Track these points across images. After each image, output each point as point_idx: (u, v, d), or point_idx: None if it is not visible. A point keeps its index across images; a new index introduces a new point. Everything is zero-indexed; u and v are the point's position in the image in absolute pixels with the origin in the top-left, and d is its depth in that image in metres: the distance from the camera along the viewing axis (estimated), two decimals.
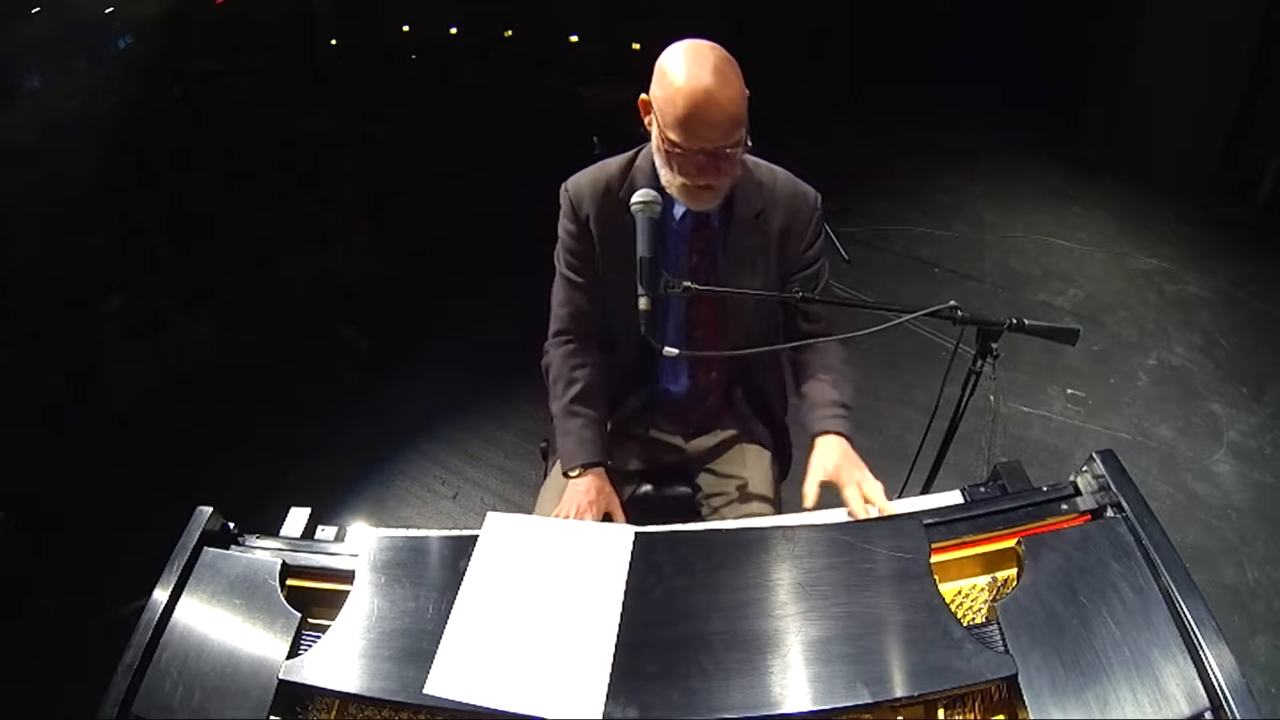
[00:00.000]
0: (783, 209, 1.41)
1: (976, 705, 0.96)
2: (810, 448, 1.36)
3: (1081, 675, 0.90)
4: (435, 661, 0.97)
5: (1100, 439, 2.62)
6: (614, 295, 1.43)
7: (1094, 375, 2.91)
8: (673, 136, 1.19)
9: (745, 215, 1.39)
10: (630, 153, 1.39)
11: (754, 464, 1.56)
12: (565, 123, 4.41)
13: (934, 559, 1.05)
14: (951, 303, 1.24)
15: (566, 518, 1.32)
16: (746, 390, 1.60)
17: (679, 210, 1.37)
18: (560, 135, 4.24)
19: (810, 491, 1.28)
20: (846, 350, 1.51)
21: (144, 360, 3.08)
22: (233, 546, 1.18)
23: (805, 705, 0.90)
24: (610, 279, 1.42)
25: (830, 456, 1.31)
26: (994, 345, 1.30)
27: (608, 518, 1.38)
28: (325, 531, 1.24)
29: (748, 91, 1.21)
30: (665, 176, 1.27)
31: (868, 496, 1.21)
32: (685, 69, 1.16)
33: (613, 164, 1.41)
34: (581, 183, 1.41)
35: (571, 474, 1.40)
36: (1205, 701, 0.87)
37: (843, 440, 1.35)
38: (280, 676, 0.98)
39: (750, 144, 1.28)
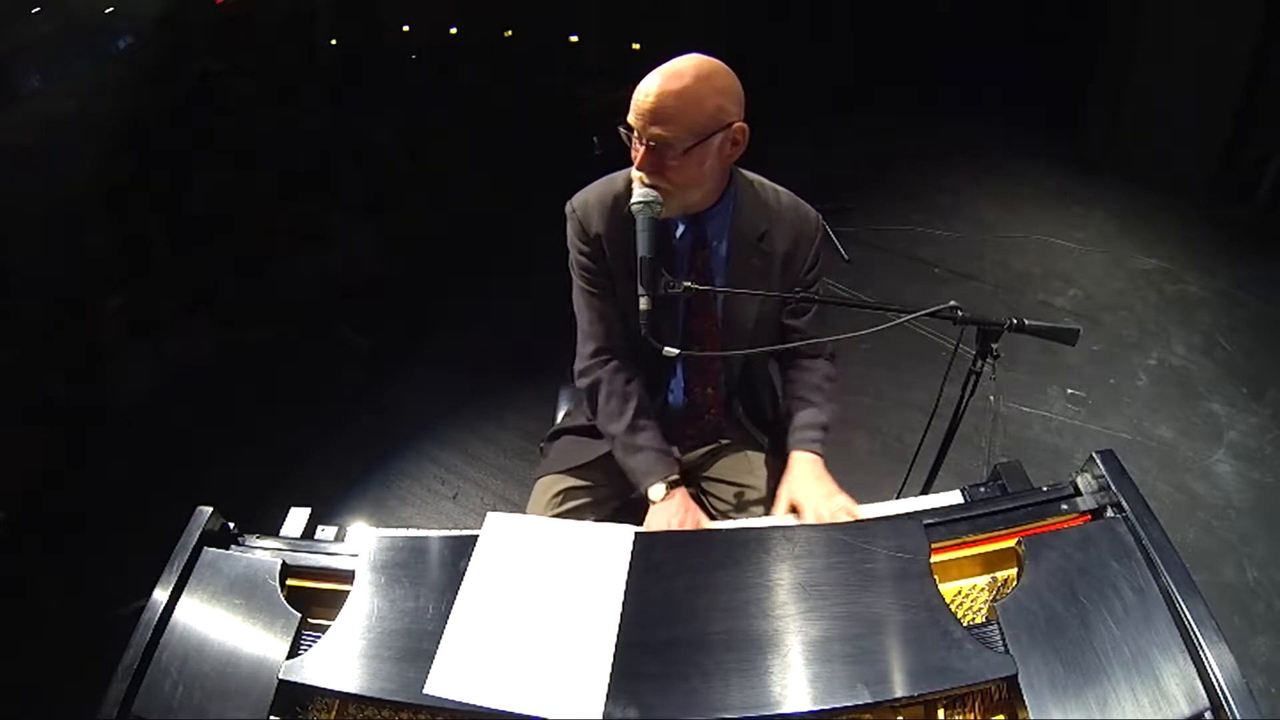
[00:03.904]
0: (787, 231, 1.41)
1: (976, 705, 0.96)
2: (784, 466, 1.38)
3: (1081, 675, 0.90)
4: (435, 661, 0.97)
5: (1100, 439, 2.62)
6: (627, 307, 1.42)
7: (1094, 375, 2.91)
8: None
9: (749, 236, 1.39)
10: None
11: (760, 471, 1.56)
12: (565, 123, 4.41)
13: (934, 559, 1.05)
14: (951, 303, 1.25)
15: None
16: (745, 406, 1.59)
17: (680, 228, 1.38)
18: (560, 136, 4.24)
19: (779, 511, 1.30)
20: (834, 367, 1.52)
21: (144, 360, 3.07)
22: (233, 546, 1.18)
23: (805, 705, 0.90)
24: (625, 292, 1.41)
25: (797, 477, 1.33)
26: (994, 345, 1.30)
27: None
28: (325, 531, 1.24)
29: (727, 117, 1.23)
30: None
31: (821, 518, 1.22)
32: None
33: (618, 178, 1.40)
34: (588, 200, 1.40)
35: (654, 495, 1.36)
36: (1205, 701, 0.87)
37: (813, 458, 1.36)
38: (280, 676, 0.98)
39: (694, 147, 1.26)
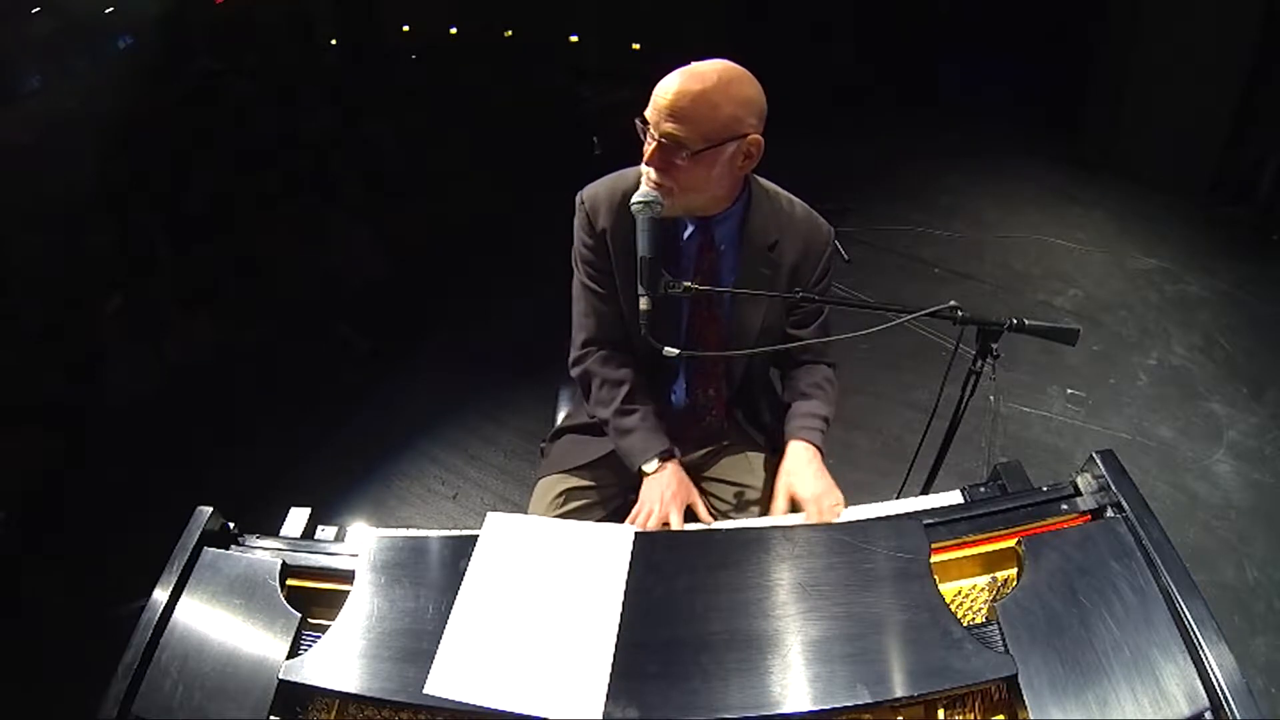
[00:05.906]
0: (797, 242, 1.40)
1: (976, 705, 0.96)
2: (782, 454, 1.38)
3: (1081, 675, 0.90)
4: (435, 661, 0.97)
5: (1100, 439, 2.62)
6: (629, 306, 1.41)
7: (1094, 375, 2.91)
8: None
9: (759, 244, 1.38)
10: None
11: (760, 471, 1.55)
12: (565, 123, 4.41)
13: (934, 559, 1.05)
14: (951, 303, 1.24)
15: (650, 513, 1.28)
16: (745, 410, 1.59)
17: (689, 229, 1.37)
18: (560, 136, 4.24)
19: (779, 502, 1.30)
20: (834, 372, 1.53)
21: (144, 360, 3.08)
22: (233, 546, 1.18)
23: (805, 705, 0.90)
24: (626, 290, 1.41)
25: (794, 470, 1.33)
26: (994, 345, 1.30)
27: (689, 514, 1.34)
28: (325, 531, 1.24)
29: (743, 127, 1.22)
30: None
31: (822, 513, 1.22)
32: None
33: (629, 175, 1.39)
34: (598, 194, 1.40)
35: (647, 468, 1.37)
36: (1205, 701, 0.87)
37: (810, 449, 1.36)
38: (280, 676, 0.98)
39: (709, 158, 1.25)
